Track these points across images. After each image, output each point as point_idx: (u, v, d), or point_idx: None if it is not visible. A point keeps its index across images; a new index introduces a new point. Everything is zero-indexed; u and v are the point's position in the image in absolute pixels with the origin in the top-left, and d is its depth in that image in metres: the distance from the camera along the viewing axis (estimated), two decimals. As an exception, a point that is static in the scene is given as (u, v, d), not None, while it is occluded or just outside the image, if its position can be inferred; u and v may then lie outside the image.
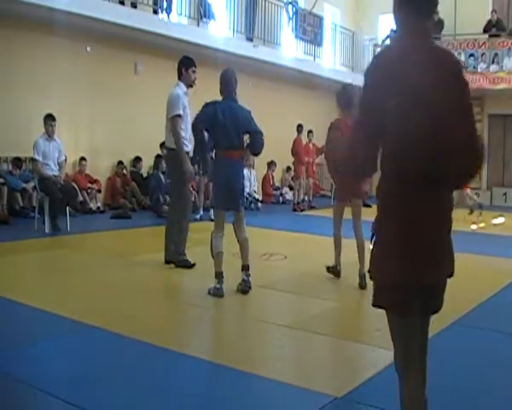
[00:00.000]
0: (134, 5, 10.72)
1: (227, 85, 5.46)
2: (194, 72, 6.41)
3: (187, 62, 6.42)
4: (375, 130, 2.17)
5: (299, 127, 13.07)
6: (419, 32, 2.19)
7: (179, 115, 6.21)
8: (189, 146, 6.35)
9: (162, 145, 11.68)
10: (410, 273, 2.12)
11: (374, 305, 2.22)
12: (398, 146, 2.14)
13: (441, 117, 2.11)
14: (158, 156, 11.61)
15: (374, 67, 2.21)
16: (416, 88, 2.11)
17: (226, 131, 5.27)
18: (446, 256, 2.21)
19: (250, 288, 5.47)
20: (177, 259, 6.40)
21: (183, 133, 6.25)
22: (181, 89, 6.38)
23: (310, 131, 13.46)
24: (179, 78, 6.44)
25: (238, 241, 5.55)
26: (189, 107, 6.47)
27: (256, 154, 5.79)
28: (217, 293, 5.28)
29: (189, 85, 6.45)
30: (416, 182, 2.11)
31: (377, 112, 2.15)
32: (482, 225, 10.81)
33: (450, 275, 2.25)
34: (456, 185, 2.33)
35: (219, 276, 5.32)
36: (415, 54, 2.16)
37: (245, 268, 5.50)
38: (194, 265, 6.36)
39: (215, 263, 5.35)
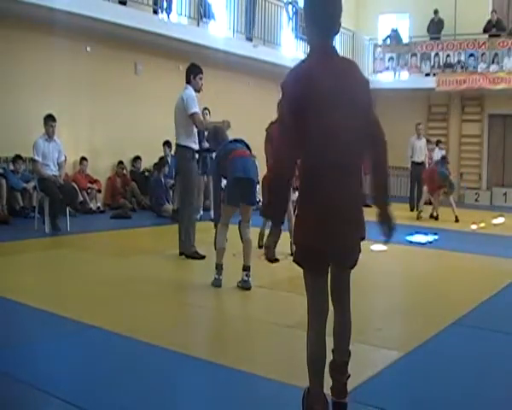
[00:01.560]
0: (123, 2, 10.66)
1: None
2: (201, 78, 6.95)
3: (195, 70, 6.97)
4: (297, 137, 2.59)
5: None
6: (325, 49, 2.71)
7: (198, 113, 6.80)
8: (196, 146, 6.96)
9: (165, 144, 11.70)
10: (318, 239, 2.64)
11: (293, 261, 2.77)
12: (316, 143, 2.60)
13: (354, 114, 2.62)
14: (161, 158, 11.61)
15: (292, 80, 2.67)
16: (328, 92, 2.58)
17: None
18: (352, 227, 2.70)
19: (249, 288, 5.53)
20: (189, 251, 6.83)
21: (192, 133, 6.82)
22: (192, 91, 6.86)
23: None
24: (188, 82, 6.93)
25: (242, 241, 5.74)
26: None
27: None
28: (215, 283, 5.59)
29: (197, 91, 6.93)
30: (329, 171, 2.61)
31: (298, 118, 2.56)
32: (482, 225, 10.82)
33: (362, 238, 2.77)
34: (376, 166, 2.81)
35: (219, 267, 5.62)
36: (324, 65, 2.64)
37: (246, 269, 5.58)
38: (204, 256, 6.73)
39: (217, 255, 5.64)
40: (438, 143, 14.89)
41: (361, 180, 2.77)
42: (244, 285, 5.55)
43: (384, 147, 2.79)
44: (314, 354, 2.75)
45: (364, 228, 2.78)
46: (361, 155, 2.74)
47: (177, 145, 6.97)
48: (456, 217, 11.42)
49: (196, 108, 6.75)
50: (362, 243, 2.82)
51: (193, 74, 6.91)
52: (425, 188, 12.15)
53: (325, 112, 2.59)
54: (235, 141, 5.77)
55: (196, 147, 6.95)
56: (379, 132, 2.79)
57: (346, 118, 2.61)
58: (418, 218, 11.87)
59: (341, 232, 2.66)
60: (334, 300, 2.84)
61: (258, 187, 6.08)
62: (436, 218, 12.01)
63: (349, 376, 2.87)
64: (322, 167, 2.62)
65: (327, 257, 2.70)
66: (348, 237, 2.72)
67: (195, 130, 6.87)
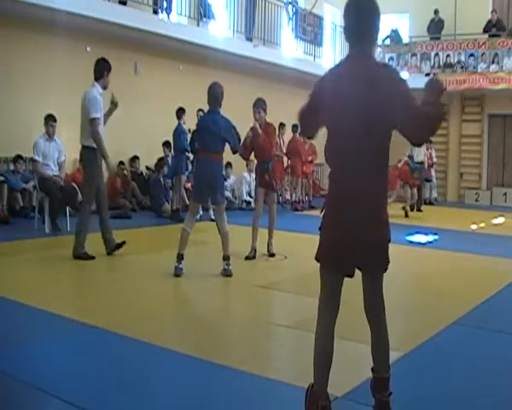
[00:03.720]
0: (123, 2, 10.67)
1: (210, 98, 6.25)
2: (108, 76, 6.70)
3: (108, 66, 6.66)
4: (317, 115, 2.88)
5: (295, 127, 13.06)
6: (356, 55, 2.88)
7: (98, 118, 6.52)
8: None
9: (164, 144, 11.71)
10: (334, 236, 2.75)
11: (315, 258, 2.86)
12: (333, 140, 2.77)
13: (375, 116, 2.66)
14: (161, 159, 11.61)
15: (321, 79, 2.94)
16: (347, 94, 2.71)
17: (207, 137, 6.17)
18: (372, 226, 2.71)
19: (231, 275, 5.96)
20: (77, 251, 6.52)
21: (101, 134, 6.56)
22: (98, 90, 6.59)
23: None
24: (97, 79, 6.62)
25: (220, 234, 6.18)
26: (103, 108, 6.84)
27: (234, 152, 6.48)
28: (175, 272, 5.89)
29: (104, 88, 6.72)
30: (346, 170, 2.72)
31: (319, 109, 2.85)
32: (482, 225, 10.82)
33: (387, 241, 2.79)
34: (418, 140, 2.89)
35: (180, 256, 5.97)
36: (352, 69, 2.82)
37: (226, 258, 6.04)
38: (93, 257, 6.53)
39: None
40: (428, 141, 14.81)
41: (384, 183, 2.81)
42: (226, 273, 5.99)
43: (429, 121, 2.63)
44: (320, 348, 2.80)
45: (387, 229, 2.79)
46: (382, 157, 2.76)
47: (82, 146, 6.80)
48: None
49: (96, 114, 6.49)
50: None
51: (106, 71, 6.62)
52: (394, 186, 12.15)
53: (343, 113, 2.71)
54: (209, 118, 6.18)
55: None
56: (419, 115, 2.62)
57: (364, 121, 2.67)
58: (407, 215, 11.94)
59: (358, 230, 2.70)
60: (369, 318, 2.87)
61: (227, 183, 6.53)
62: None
63: (391, 393, 2.83)
64: (340, 167, 2.76)
65: (342, 255, 2.75)
66: (367, 236, 2.71)
67: (101, 129, 6.72)
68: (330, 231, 2.78)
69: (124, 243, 6.88)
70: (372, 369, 2.87)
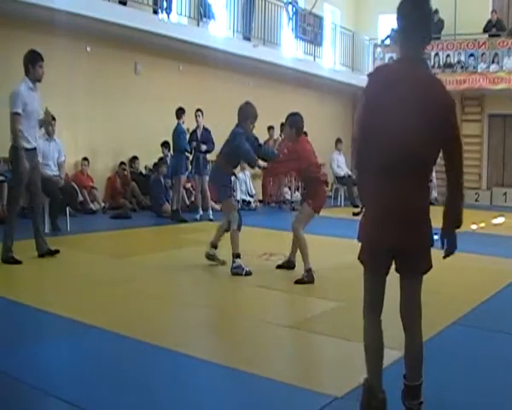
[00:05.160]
0: (123, 2, 10.66)
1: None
2: (41, 67, 6.43)
3: (34, 58, 6.42)
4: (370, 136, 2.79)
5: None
6: (407, 58, 2.77)
7: (18, 113, 6.21)
8: (33, 143, 6.43)
9: (163, 145, 11.71)
10: (377, 239, 2.78)
11: (358, 258, 2.87)
12: (382, 145, 2.74)
13: (419, 121, 2.65)
14: (160, 159, 11.62)
15: (370, 77, 2.85)
16: (394, 95, 2.69)
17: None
18: (410, 229, 2.75)
19: (244, 274, 6.09)
20: (4, 255, 6.26)
21: (22, 132, 6.23)
22: (26, 85, 6.39)
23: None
24: (26, 74, 6.43)
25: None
26: (38, 102, 6.56)
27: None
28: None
29: (38, 80, 6.48)
30: (384, 173, 2.73)
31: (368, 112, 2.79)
32: (482, 225, 10.82)
33: (431, 245, 2.86)
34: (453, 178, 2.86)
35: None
36: (402, 71, 2.75)
37: (234, 256, 6.16)
38: (21, 262, 6.23)
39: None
40: None
41: (425, 185, 2.85)
42: (234, 271, 6.10)
43: (458, 170, 2.81)
44: (368, 344, 2.87)
45: (427, 234, 2.82)
46: (423, 161, 2.76)
47: (11, 145, 6.35)
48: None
49: (17, 108, 6.17)
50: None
51: (31, 63, 6.36)
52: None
53: (386, 113, 2.71)
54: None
55: (32, 145, 6.38)
56: (455, 153, 2.78)
57: (407, 123, 2.66)
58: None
59: (396, 231, 2.73)
60: (404, 324, 2.86)
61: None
62: None
63: (422, 402, 2.82)
64: (379, 168, 2.76)
65: (382, 254, 2.78)
66: (405, 237, 2.75)
67: (33, 126, 6.40)
68: (368, 230, 2.87)
69: (57, 251, 6.63)
70: (404, 376, 2.86)
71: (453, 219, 2.87)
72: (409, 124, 2.65)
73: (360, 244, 2.87)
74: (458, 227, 2.87)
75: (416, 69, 2.75)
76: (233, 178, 6.78)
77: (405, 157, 2.69)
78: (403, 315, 2.86)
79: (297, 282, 5.83)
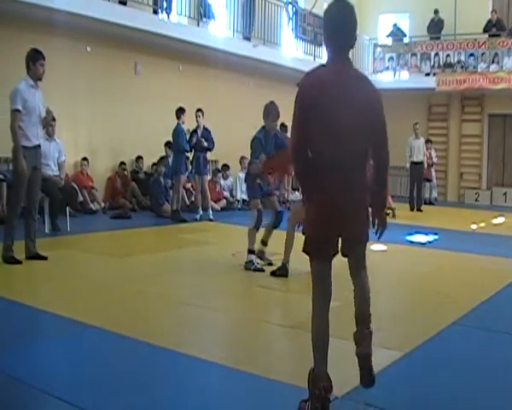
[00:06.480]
0: (123, 2, 10.66)
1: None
2: (42, 65, 6.47)
3: (35, 56, 6.47)
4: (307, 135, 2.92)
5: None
6: (337, 61, 2.96)
7: (17, 110, 6.22)
8: (34, 141, 6.41)
9: (166, 145, 11.71)
10: (320, 229, 2.97)
11: (302, 250, 3.05)
12: (318, 143, 2.90)
13: (356, 119, 2.87)
14: (161, 158, 11.62)
15: (303, 83, 2.99)
16: (331, 98, 2.87)
17: None
18: (353, 223, 2.98)
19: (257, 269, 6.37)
20: (5, 255, 6.27)
21: (23, 129, 6.24)
22: (26, 82, 6.41)
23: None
24: (27, 72, 6.46)
25: None
26: (40, 100, 6.56)
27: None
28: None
29: (38, 79, 6.51)
30: (330, 171, 2.89)
31: (305, 117, 2.90)
32: (482, 224, 10.82)
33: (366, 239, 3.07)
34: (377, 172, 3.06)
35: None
36: (333, 74, 2.92)
37: (248, 252, 6.49)
38: (21, 262, 6.24)
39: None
40: (427, 141, 14.83)
41: (364, 181, 3.01)
42: (246, 265, 6.41)
43: (385, 157, 3.03)
44: (317, 336, 3.01)
45: (366, 228, 3.05)
46: (363, 157, 2.98)
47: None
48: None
49: (17, 106, 6.19)
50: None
51: (32, 61, 6.40)
52: None
53: (327, 115, 2.87)
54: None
55: (32, 143, 6.36)
56: (382, 143, 3.01)
57: (346, 122, 2.86)
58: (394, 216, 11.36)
59: (341, 224, 2.96)
60: (352, 273, 3.14)
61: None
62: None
63: (371, 332, 3.15)
64: (323, 167, 2.91)
65: (330, 241, 3.00)
66: (351, 227, 2.99)
67: (35, 123, 6.39)
68: (315, 224, 3.03)
69: (45, 258, 6.49)
70: (355, 319, 3.15)
71: (381, 200, 3.14)
72: (346, 120, 2.85)
73: (304, 237, 3.05)
74: (384, 207, 3.18)
75: (347, 69, 2.97)
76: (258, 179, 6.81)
77: (347, 153, 2.90)
78: (352, 271, 3.13)
79: (272, 273, 6.17)
